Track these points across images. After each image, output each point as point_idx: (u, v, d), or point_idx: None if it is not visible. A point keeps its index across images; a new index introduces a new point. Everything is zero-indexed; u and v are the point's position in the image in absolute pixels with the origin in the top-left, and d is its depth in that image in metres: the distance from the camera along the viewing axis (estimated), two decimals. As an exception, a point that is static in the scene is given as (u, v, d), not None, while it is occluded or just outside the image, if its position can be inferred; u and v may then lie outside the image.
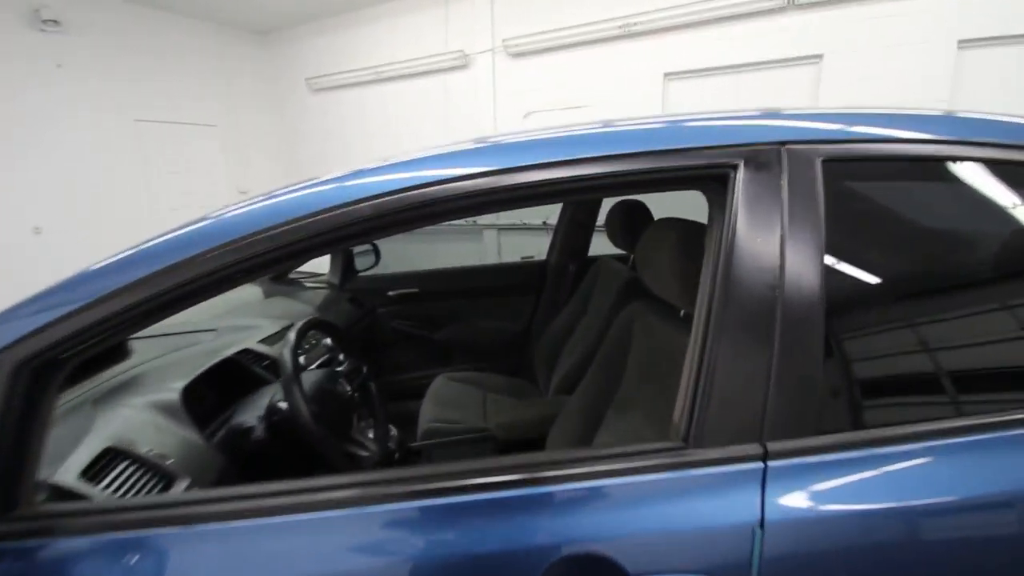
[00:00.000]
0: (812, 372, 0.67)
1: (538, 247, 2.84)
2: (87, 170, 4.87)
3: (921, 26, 3.71)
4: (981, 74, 3.65)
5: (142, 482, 0.84)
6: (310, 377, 1.11)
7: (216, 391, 1.21)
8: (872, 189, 0.75)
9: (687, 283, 0.97)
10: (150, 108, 5.33)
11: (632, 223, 1.71)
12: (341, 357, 1.37)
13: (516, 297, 2.31)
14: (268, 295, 1.94)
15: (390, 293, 2.25)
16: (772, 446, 0.66)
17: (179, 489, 0.86)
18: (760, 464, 0.65)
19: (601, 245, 2.34)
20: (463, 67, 5.41)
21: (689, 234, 0.98)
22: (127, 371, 1.11)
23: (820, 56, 4.02)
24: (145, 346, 1.26)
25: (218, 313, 1.68)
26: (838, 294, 0.70)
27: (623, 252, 1.89)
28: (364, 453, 1.12)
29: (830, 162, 0.72)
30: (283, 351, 1.01)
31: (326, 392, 1.08)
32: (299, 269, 2.22)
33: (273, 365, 1.38)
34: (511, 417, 1.54)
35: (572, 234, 2.21)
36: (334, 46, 6.13)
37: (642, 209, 1.72)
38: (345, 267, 2.23)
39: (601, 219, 1.99)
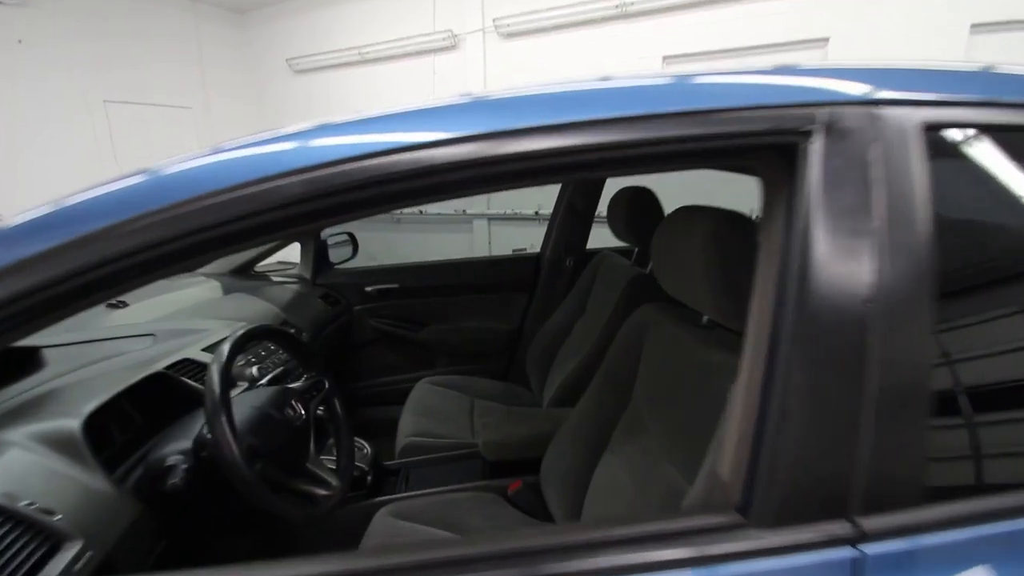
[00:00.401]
0: (920, 419, 0.48)
1: (532, 239, 2.64)
2: (51, 153, 4.56)
3: (932, 9, 3.53)
4: (994, 59, 3.47)
5: (15, 549, 0.63)
6: (249, 400, 0.90)
7: (146, 416, 1.00)
8: (1001, 167, 0.56)
9: (716, 286, 0.78)
10: (120, 88, 5.01)
11: (638, 213, 1.52)
12: (301, 371, 1.17)
13: (507, 294, 2.11)
14: (228, 291, 1.72)
15: (368, 289, 2.03)
16: (867, 523, 0.47)
17: (65, 558, 0.65)
18: (851, 550, 0.46)
19: (600, 237, 2.16)
20: (452, 48, 5.16)
21: (722, 226, 0.78)
22: (23, 393, 0.89)
23: (826, 39, 3.83)
24: (57, 357, 1.05)
25: (165, 314, 1.47)
26: (954, 313, 0.51)
27: (626, 245, 1.70)
28: (321, 492, 0.92)
29: (937, 129, 0.53)
30: (210, 368, 0.80)
31: (269, 419, 0.87)
32: (267, 261, 2.00)
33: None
34: (501, 435, 1.34)
35: (569, 224, 2.01)
36: (317, 25, 5.82)
37: (649, 197, 1.53)
38: (318, 259, 2.01)
39: (602, 208, 1.80)
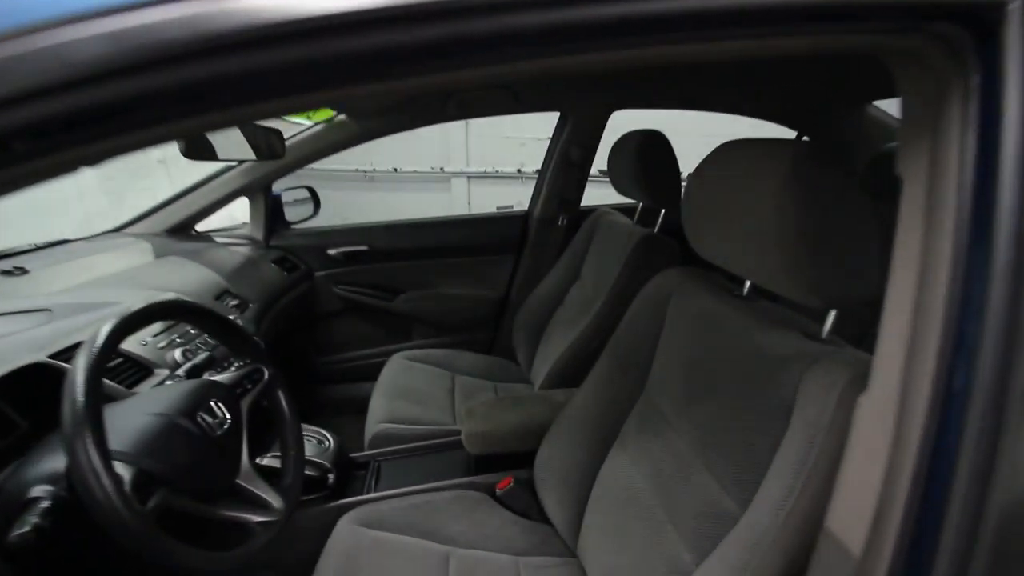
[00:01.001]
0: None
1: (515, 199, 2.39)
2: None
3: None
4: None
5: None
6: (145, 404, 0.66)
7: (33, 421, 0.76)
8: None
9: (794, 247, 0.56)
10: None
11: (648, 161, 1.28)
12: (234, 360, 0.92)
13: (491, 257, 1.88)
14: (160, 254, 1.44)
15: (331, 252, 1.77)
16: None
17: None
18: None
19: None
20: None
21: (805, 162, 0.56)
22: None
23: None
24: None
25: (76, 284, 1.19)
26: None
27: (628, 202, 1.47)
28: (257, 518, 0.70)
29: None
30: (75, 360, 0.56)
31: (175, 431, 0.63)
32: (210, 221, 1.71)
33: (136, 371, 0.93)
34: (488, 424, 1.14)
35: (563, 177, 1.76)
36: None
37: (660, 143, 1.29)
38: (271, 217, 1.73)
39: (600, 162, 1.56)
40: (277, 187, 1.74)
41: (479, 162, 4.62)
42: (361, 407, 1.49)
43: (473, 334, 1.92)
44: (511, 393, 1.62)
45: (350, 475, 1.20)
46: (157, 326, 1.07)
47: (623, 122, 1.53)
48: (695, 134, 1.65)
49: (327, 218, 1.90)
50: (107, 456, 0.52)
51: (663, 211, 1.37)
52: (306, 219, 1.87)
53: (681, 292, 0.90)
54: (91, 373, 0.55)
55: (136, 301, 1.09)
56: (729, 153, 0.69)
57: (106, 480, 0.50)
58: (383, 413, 1.36)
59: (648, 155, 1.28)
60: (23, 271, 1.17)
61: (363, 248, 1.78)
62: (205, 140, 1.02)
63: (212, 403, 0.71)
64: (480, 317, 1.91)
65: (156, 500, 0.57)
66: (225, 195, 1.60)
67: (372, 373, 1.60)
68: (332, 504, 1.09)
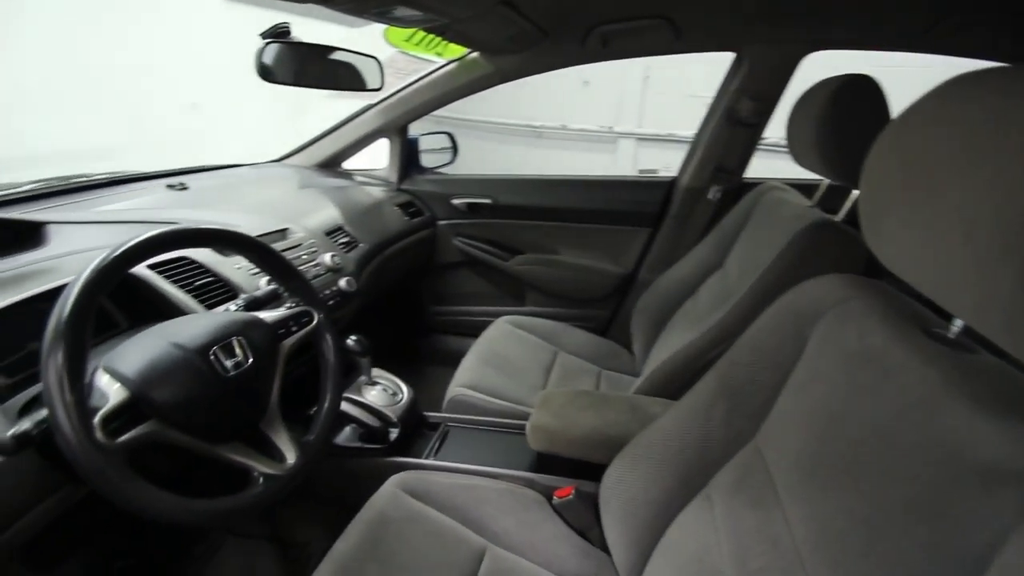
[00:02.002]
0: None
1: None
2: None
3: None
4: None
5: None
6: (171, 332, 0.63)
7: (128, 321, 0.82)
8: None
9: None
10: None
11: (849, 121, 0.91)
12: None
13: (623, 227, 1.63)
14: (303, 186, 1.53)
15: (455, 202, 1.71)
16: None
17: None
18: None
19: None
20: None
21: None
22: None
23: None
24: (60, 235, 0.91)
25: (221, 205, 1.32)
26: None
27: (812, 179, 1.09)
28: (262, 468, 0.66)
29: None
30: (72, 281, 0.55)
31: (184, 365, 0.59)
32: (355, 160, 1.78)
33: (225, 292, 0.96)
34: (556, 423, 0.97)
35: (724, 139, 1.41)
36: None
37: (867, 95, 0.90)
38: (406, 161, 1.73)
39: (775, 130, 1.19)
40: (417, 132, 1.73)
41: (654, 123, 4.19)
42: (459, 363, 1.44)
43: (589, 310, 1.73)
44: (616, 385, 1.42)
45: (418, 433, 1.15)
46: None
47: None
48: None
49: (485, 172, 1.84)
50: (76, 377, 0.50)
51: (856, 193, 0.99)
52: (442, 166, 1.84)
53: (841, 312, 0.59)
54: (86, 288, 0.54)
55: (249, 225, 1.17)
56: (954, 96, 0.39)
57: (67, 400, 0.48)
58: (467, 377, 1.28)
59: (845, 111, 0.90)
60: (184, 187, 1.32)
61: (486, 201, 1.69)
62: (285, 64, 0.99)
63: (235, 340, 0.68)
64: (600, 293, 1.70)
65: (139, 432, 0.55)
66: (364, 135, 1.64)
67: (479, 330, 1.53)
68: (387, 460, 1.06)
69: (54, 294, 0.77)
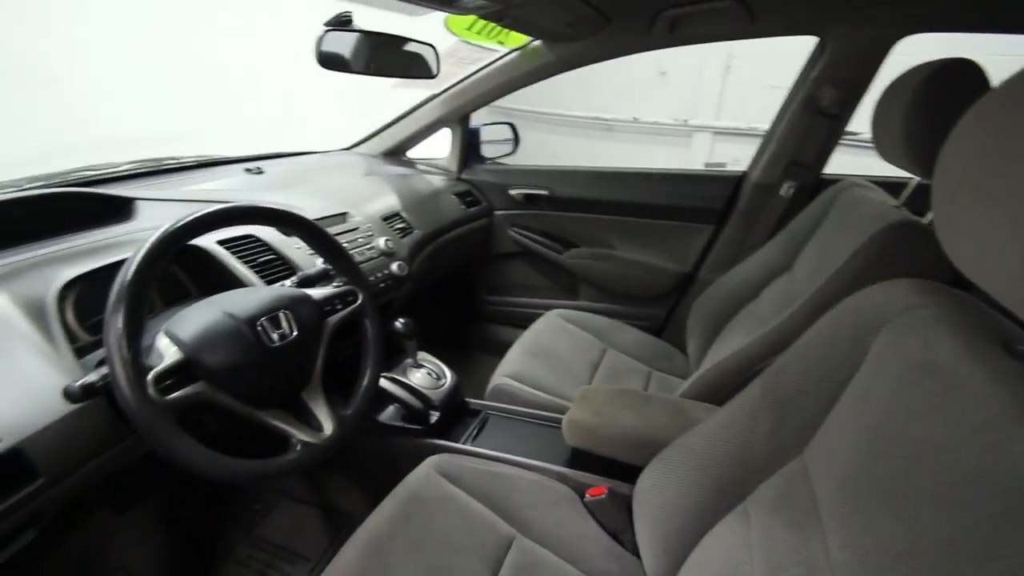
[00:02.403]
0: None
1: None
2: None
3: None
4: None
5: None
6: (226, 303, 0.68)
7: (199, 290, 0.90)
8: None
9: None
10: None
11: (935, 113, 0.81)
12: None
13: (685, 224, 1.56)
14: (368, 173, 1.60)
15: (512, 192, 1.71)
16: None
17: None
18: None
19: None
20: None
21: None
22: (93, 240, 0.85)
23: None
24: (147, 212, 1.01)
25: (292, 189, 1.40)
26: None
27: (901, 177, 0.98)
28: (299, 435, 0.70)
29: None
30: (136, 249, 0.60)
31: (234, 333, 0.64)
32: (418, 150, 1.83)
33: (284, 269, 1.02)
34: (594, 419, 0.95)
35: (802, 129, 1.30)
36: None
37: (966, 81, 0.80)
38: (467, 150, 1.75)
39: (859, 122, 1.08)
40: (479, 122, 1.75)
41: (732, 115, 3.96)
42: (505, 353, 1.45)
43: (643, 308, 1.67)
44: (665, 387, 1.36)
45: (459, 418, 1.17)
46: None
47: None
48: None
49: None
50: (133, 336, 0.55)
51: None
52: (501, 156, 1.85)
53: (907, 320, 0.53)
54: (150, 258, 0.59)
55: (312, 207, 1.23)
56: None
57: (125, 357, 0.53)
58: (511, 367, 1.29)
59: (939, 100, 0.80)
60: (260, 171, 1.41)
61: (543, 192, 1.67)
62: (344, 52, 1.02)
63: (281, 314, 0.72)
64: (656, 291, 1.63)
65: (188, 391, 0.60)
66: (427, 124, 1.67)
67: (529, 322, 1.53)
68: (426, 441, 1.08)
69: None
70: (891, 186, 1.09)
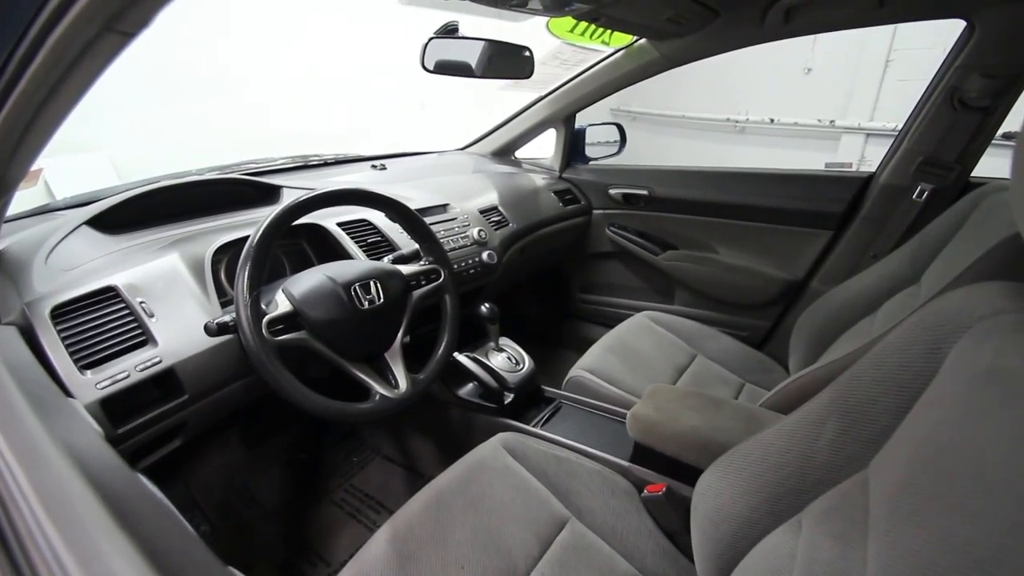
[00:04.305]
0: None
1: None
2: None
3: None
4: None
5: (113, 331, 0.75)
6: (330, 270, 0.82)
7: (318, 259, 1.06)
8: None
9: None
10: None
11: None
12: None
13: (798, 228, 1.43)
14: (475, 171, 1.72)
15: (611, 191, 1.72)
16: None
17: (139, 358, 0.73)
18: None
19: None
20: None
21: None
22: (244, 219, 1.06)
23: None
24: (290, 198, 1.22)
25: (409, 183, 1.57)
26: None
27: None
28: (378, 389, 0.81)
29: None
30: (263, 219, 0.74)
31: (332, 296, 0.77)
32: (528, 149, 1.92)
33: (387, 247, 1.16)
34: (658, 415, 0.94)
35: (943, 126, 1.13)
36: None
37: None
38: (570, 150, 1.80)
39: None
40: (580, 121, 1.78)
41: (890, 115, 3.47)
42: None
43: (744, 318, 1.56)
44: (757, 402, 1.27)
45: (533, 404, 1.22)
46: None
47: None
48: None
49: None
50: (255, 287, 0.69)
51: None
52: (606, 157, 1.86)
53: (989, 325, 0.47)
54: (272, 226, 0.73)
55: (420, 199, 1.37)
56: None
57: (247, 302, 0.68)
58: (590, 361, 1.30)
59: None
60: (384, 168, 1.60)
61: (642, 192, 1.65)
62: (446, 57, 1.12)
63: (372, 283, 0.83)
64: (760, 299, 1.52)
65: (292, 336, 0.73)
66: (534, 125, 1.75)
67: (620, 322, 1.53)
68: (498, 419, 1.15)
69: (272, 235, 1.05)
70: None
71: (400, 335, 0.88)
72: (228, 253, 0.96)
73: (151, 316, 0.78)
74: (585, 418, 1.16)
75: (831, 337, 1.20)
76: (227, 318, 0.75)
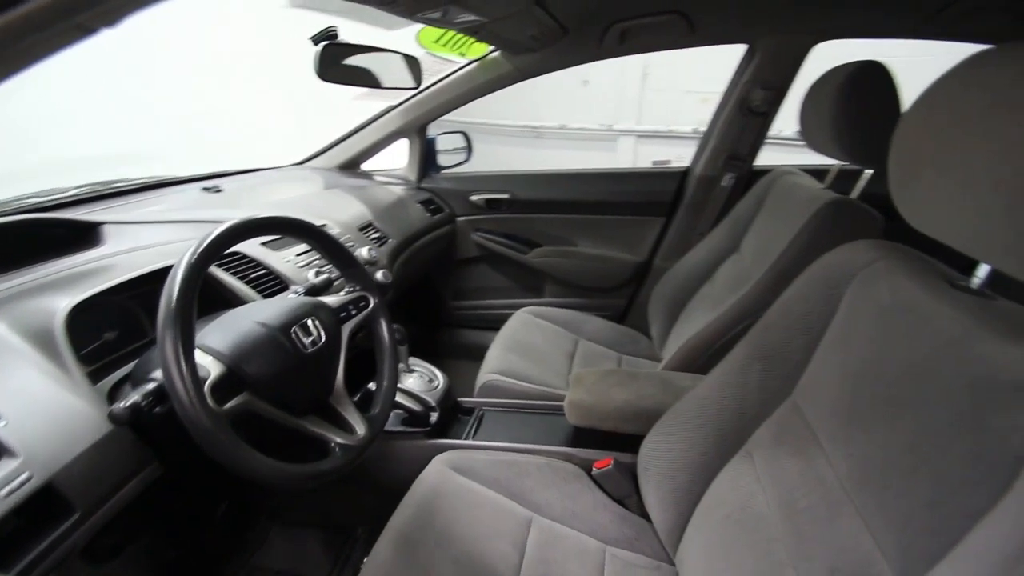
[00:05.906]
0: None
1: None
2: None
3: None
4: None
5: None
6: (255, 313, 0.69)
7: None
8: None
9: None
10: None
11: (856, 105, 0.97)
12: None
13: (637, 217, 1.69)
14: (328, 187, 1.58)
15: (473, 198, 1.77)
16: None
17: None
18: None
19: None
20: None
21: None
22: (66, 269, 0.80)
23: None
24: (116, 235, 0.96)
25: (257, 205, 1.36)
26: None
27: (820, 164, 1.15)
28: (336, 439, 0.71)
29: None
30: (181, 259, 0.59)
31: (271, 342, 0.65)
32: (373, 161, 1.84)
33: (276, 283, 1.01)
34: (591, 398, 1.03)
35: (736, 127, 1.47)
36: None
37: (877, 78, 0.97)
38: (424, 160, 1.79)
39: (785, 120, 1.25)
40: (434, 132, 1.79)
41: (653, 119, 4.26)
42: (481, 355, 1.49)
43: (606, 299, 1.78)
44: (634, 368, 1.47)
45: (454, 418, 1.20)
46: (302, 247, 1.17)
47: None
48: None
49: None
50: (189, 351, 0.55)
51: (868, 173, 1.05)
52: (457, 165, 1.89)
53: (870, 273, 0.65)
54: (189, 272, 0.59)
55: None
56: (976, 69, 0.45)
57: (184, 371, 0.54)
58: (496, 364, 1.34)
59: (858, 95, 0.96)
60: (219, 190, 1.37)
61: (504, 196, 1.74)
62: (339, 64, 1.05)
63: (310, 321, 0.73)
64: (616, 282, 1.76)
65: (237, 402, 0.60)
66: (386, 135, 1.69)
67: (499, 324, 1.59)
68: (430, 442, 1.10)
69: (126, 287, 0.82)
70: (811, 173, 1.28)
71: (340, 376, 0.78)
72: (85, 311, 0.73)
73: None
74: (511, 418, 1.19)
75: (681, 304, 1.45)
76: (136, 397, 0.58)
